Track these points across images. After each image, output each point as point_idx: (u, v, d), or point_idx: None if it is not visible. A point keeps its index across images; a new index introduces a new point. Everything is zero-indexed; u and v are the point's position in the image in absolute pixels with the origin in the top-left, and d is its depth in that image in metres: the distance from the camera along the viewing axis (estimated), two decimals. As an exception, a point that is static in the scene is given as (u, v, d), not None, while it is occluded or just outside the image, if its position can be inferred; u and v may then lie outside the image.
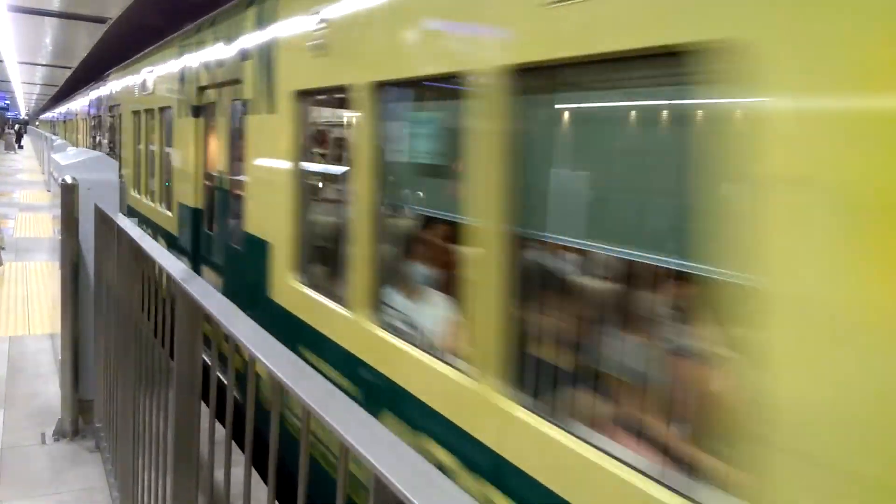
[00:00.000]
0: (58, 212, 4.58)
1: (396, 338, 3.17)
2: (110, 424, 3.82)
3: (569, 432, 2.20)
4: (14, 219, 13.83)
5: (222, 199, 5.96)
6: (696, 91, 1.88)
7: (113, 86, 13.16)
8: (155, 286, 2.66)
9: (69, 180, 4.28)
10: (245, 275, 5.08)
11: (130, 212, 9.56)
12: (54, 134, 32.64)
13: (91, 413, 4.45)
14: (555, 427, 2.24)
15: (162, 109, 8.25)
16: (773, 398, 1.54)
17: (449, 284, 3.39)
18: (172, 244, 7.34)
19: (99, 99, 17.17)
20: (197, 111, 6.69)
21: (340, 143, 5.02)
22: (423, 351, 2.99)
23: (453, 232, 3.42)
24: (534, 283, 2.57)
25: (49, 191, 16.60)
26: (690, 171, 1.80)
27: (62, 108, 35.83)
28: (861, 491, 1.38)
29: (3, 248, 10.27)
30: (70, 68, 29.78)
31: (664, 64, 1.98)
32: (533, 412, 2.34)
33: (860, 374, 1.40)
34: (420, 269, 3.72)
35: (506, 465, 2.41)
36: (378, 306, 3.39)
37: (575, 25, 2.14)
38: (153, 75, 8.73)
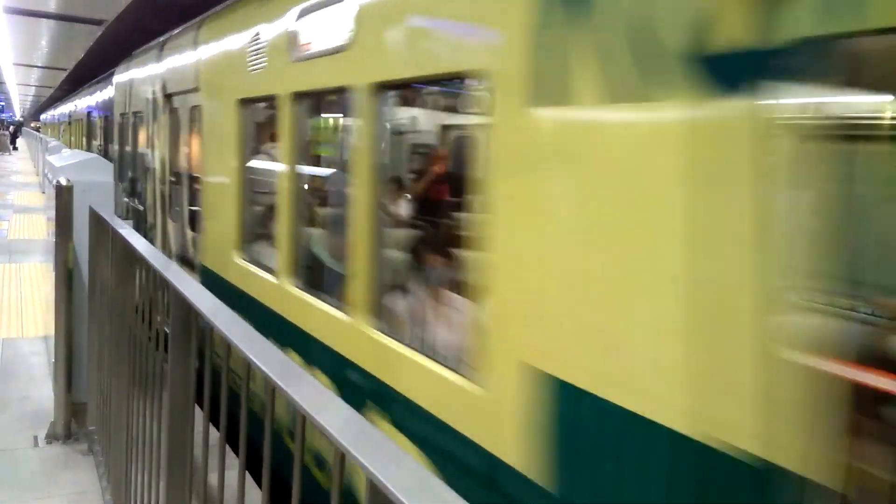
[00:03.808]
0: (52, 213, 4.56)
1: None
2: (104, 428, 3.79)
3: None
4: (8, 220, 13.77)
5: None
6: None
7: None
8: (149, 288, 2.64)
9: (64, 182, 4.26)
10: None
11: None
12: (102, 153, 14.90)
13: (84, 416, 4.42)
14: None
15: None
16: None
17: None
18: None
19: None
20: None
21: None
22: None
23: None
24: None
25: (44, 192, 16.57)
26: None
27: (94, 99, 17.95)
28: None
29: None
30: (65, 70, 29.75)
31: None
32: None
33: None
34: None
35: None
36: None
37: None
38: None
